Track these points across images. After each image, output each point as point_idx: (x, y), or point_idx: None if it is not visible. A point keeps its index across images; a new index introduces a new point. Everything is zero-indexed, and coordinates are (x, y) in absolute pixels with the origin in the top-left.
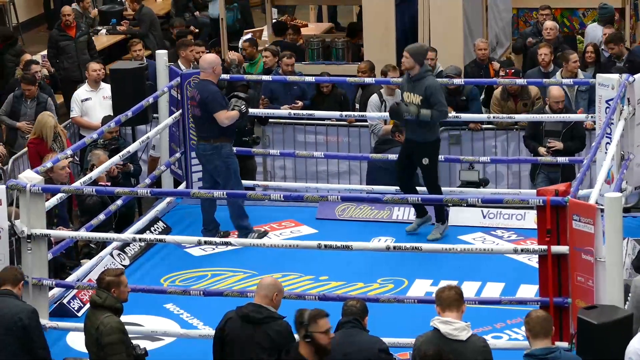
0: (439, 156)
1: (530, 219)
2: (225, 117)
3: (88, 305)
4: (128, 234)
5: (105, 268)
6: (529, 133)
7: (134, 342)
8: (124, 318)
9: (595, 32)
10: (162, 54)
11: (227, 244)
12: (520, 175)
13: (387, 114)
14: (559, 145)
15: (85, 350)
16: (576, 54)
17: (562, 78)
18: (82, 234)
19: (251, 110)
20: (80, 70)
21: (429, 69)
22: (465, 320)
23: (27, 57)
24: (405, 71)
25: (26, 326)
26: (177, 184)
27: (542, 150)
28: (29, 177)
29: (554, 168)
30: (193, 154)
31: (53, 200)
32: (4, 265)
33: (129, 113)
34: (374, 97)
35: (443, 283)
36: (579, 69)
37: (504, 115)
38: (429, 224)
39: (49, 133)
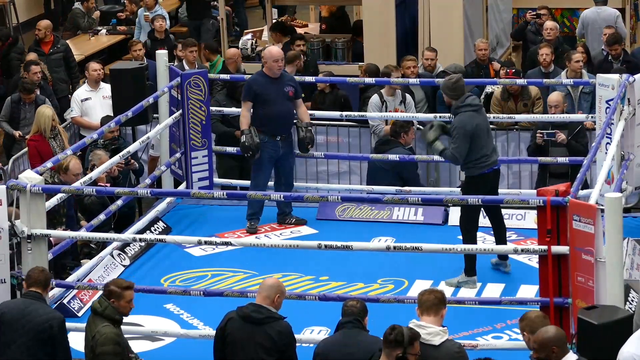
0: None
1: (530, 219)
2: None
3: (89, 305)
4: (128, 234)
5: (105, 270)
6: (535, 146)
7: (135, 349)
8: (125, 319)
9: (598, 14)
10: (162, 54)
11: (227, 244)
12: (520, 175)
13: (387, 114)
14: (561, 136)
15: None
16: (579, 54)
17: (567, 78)
18: (82, 234)
19: None
20: (52, 87)
21: (465, 103)
22: (466, 321)
23: (31, 56)
24: None
25: (55, 336)
26: (177, 184)
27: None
28: (29, 177)
29: (563, 181)
30: (193, 154)
31: (53, 200)
32: (4, 266)
33: (129, 113)
34: (375, 98)
35: (444, 284)
36: (584, 70)
37: (504, 115)
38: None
39: (47, 122)
